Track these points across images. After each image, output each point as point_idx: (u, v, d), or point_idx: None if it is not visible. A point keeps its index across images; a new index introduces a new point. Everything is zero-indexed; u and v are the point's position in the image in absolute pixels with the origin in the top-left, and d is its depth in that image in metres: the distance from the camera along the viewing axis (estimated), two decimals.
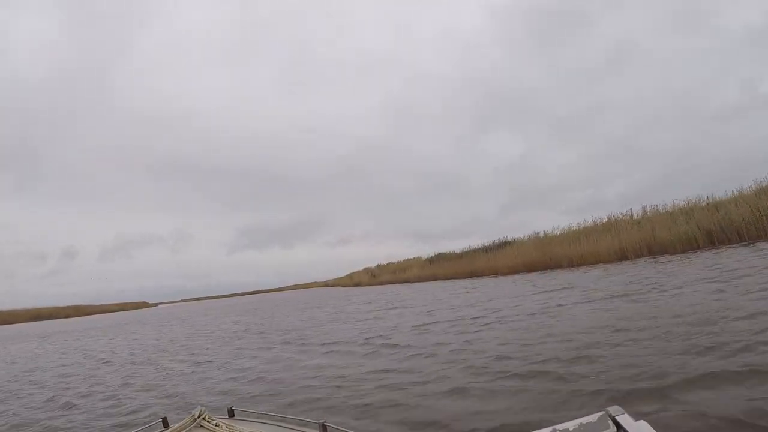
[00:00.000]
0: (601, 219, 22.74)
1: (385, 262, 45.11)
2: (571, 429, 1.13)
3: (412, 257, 39.44)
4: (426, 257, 35.90)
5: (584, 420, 1.15)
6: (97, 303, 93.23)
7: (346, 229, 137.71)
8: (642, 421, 1.10)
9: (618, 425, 1.11)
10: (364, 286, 43.60)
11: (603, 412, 1.16)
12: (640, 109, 58.82)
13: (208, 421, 1.94)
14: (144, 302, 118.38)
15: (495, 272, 24.04)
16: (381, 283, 39.30)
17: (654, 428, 1.06)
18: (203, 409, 2.03)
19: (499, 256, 24.72)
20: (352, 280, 52.28)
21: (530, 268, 21.99)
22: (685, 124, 52.11)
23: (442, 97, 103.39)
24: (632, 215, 22.05)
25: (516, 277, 20.14)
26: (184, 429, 1.91)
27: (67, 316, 79.53)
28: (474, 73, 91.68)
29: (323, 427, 1.80)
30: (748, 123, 43.93)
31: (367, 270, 48.36)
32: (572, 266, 20.00)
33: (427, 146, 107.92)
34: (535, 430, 1.15)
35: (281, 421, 1.99)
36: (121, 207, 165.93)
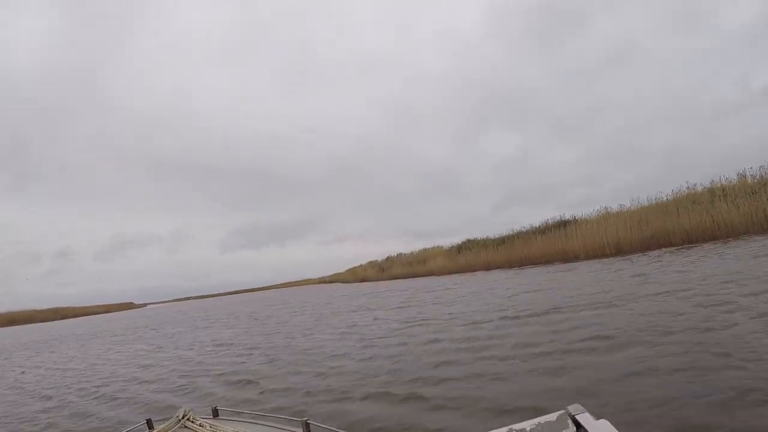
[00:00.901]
0: (694, 186, 16.91)
1: (394, 255, 38.90)
2: (528, 429, 1.04)
3: (429, 247, 33.29)
4: (449, 246, 29.80)
5: (542, 419, 1.06)
6: (80, 305, 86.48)
7: (343, 228, 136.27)
8: (603, 420, 1.02)
9: (578, 424, 1.02)
10: (373, 281, 37.35)
11: (563, 411, 1.07)
12: (638, 108, 57.05)
13: (192, 422, 1.87)
14: (131, 303, 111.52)
15: (566, 258, 17.99)
16: (394, 278, 33.05)
17: (615, 427, 0.97)
18: (188, 409, 1.95)
19: (566, 239, 18.62)
20: (356, 275, 45.81)
21: (621, 249, 15.97)
22: (683, 123, 50.17)
23: (442, 96, 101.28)
24: (746, 177, 16.36)
25: (639, 257, 13.88)
26: (168, 430, 1.82)
27: (43, 320, 72.47)
28: (473, 73, 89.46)
29: (306, 425, 1.71)
30: (745, 121, 42.59)
31: (372, 263, 42.04)
32: (691, 242, 14.02)
33: (426, 146, 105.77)
34: (492, 430, 1.05)
35: (265, 419, 1.91)
36: (119, 207, 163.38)
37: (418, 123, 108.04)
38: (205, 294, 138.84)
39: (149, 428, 2.00)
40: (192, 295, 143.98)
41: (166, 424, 1.86)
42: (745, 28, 46.47)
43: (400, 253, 37.01)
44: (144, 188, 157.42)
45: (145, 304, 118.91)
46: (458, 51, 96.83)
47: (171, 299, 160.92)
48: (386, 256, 41.47)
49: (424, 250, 33.17)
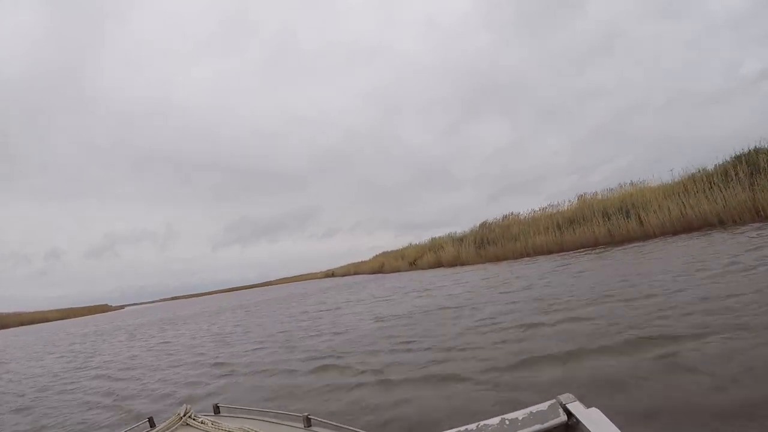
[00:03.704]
0: None
1: (507, 214, 22.30)
2: (520, 418, 1.03)
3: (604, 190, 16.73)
4: (677, 178, 13.32)
5: (534, 409, 1.05)
6: (35, 310, 68.94)
7: (335, 222, 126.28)
8: (593, 408, 1.01)
9: (569, 413, 1.02)
10: (459, 266, 20.82)
11: (554, 400, 1.07)
12: (628, 93, 55.16)
13: (193, 419, 1.79)
14: (106, 305, 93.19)
15: None
16: (489, 260, 16.69)
17: (606, 415, 0.97)
18: (189, 407, 1.87)
19: None
20: (413, 259, 29.11)
21: None
22: (672, 108, 47.92)
23: (432, 86, 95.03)
24: None
25: None
26: (170, 427, 1.74)
27: None
28: (464, 62, 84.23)
29: (307, 419, 1.62)
30: (733, 106, 41.59)
31: (447, 239, 25.32)
32: None
33: (415, 136, 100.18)
34: (484, 419, 1.04)
35: (266, 415, 1.83)
36: (109, 205, 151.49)
37: (408, 113, 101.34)
38: (194, 293, 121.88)
39: (151, 426, 1.93)
40: (179, 295, 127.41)
41: (168, 421, 1.78)
42: (730, 12, 43.55)
43: (541, 209, 20.17)
44: (134, 186, 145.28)
45: (123, 306, 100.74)
46: (448, 40, 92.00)
47: (158, 299, 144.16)
48: (464, 230, 25.15)
49: (594, 196, 16.54)
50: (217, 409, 1.97)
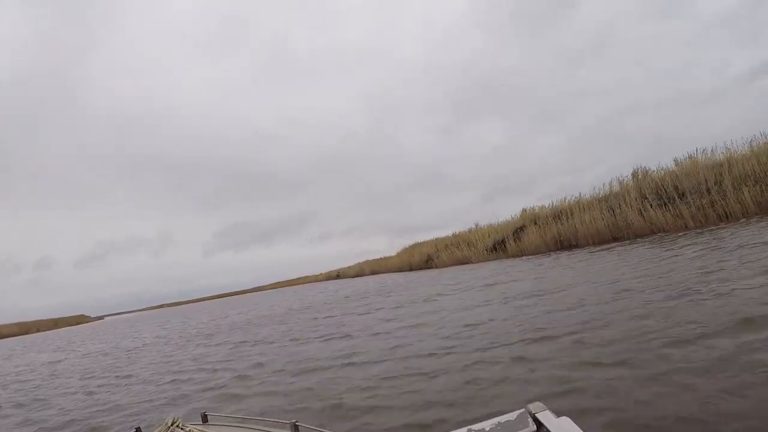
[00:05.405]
0: None
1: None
2: (487, 428, 0.99)
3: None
4: None
5: (502, 419, 1.01)
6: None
7: (329, 226, 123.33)
8: (564, 417, 0.97)
9: (539, 423, 0.98)
10: (626, 241, 13.68)
11: (523, 410, 1.03)
12: (625, 93, 55.21)
13: (181, 428, 1.77)
14: (83, 316, 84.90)
15: None
16: (682, 228, 9.57)
17: (576, 424, 0.93)
18: (176, 417, 1.84)
19: None
20: (478, 246, 21.90)
21: None
22: (669, 107, 47.06)
23: (428, 88, 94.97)
24: None
25: None
26: None
27: None
28: (460, 64, 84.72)
29: (295, 427, 1.62)
30: (728, 105, 41.09)
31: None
32: None
33: (412, 137, 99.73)
34: (451, 430, 1.02)
35: (254, 423, 1.82)
36: (100, 212, 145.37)
37: (405, 115, 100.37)
38: (186, 300, 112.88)
39: None
40: (166, 303, 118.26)
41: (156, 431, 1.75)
42: (722, 12, 44.56)
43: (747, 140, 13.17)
44: (127, 191, 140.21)
45: (102, 317, 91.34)
46: (447, 40, 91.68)
47: (145, 307, 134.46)
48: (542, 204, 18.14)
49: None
50: (205, 418, 1.92)
